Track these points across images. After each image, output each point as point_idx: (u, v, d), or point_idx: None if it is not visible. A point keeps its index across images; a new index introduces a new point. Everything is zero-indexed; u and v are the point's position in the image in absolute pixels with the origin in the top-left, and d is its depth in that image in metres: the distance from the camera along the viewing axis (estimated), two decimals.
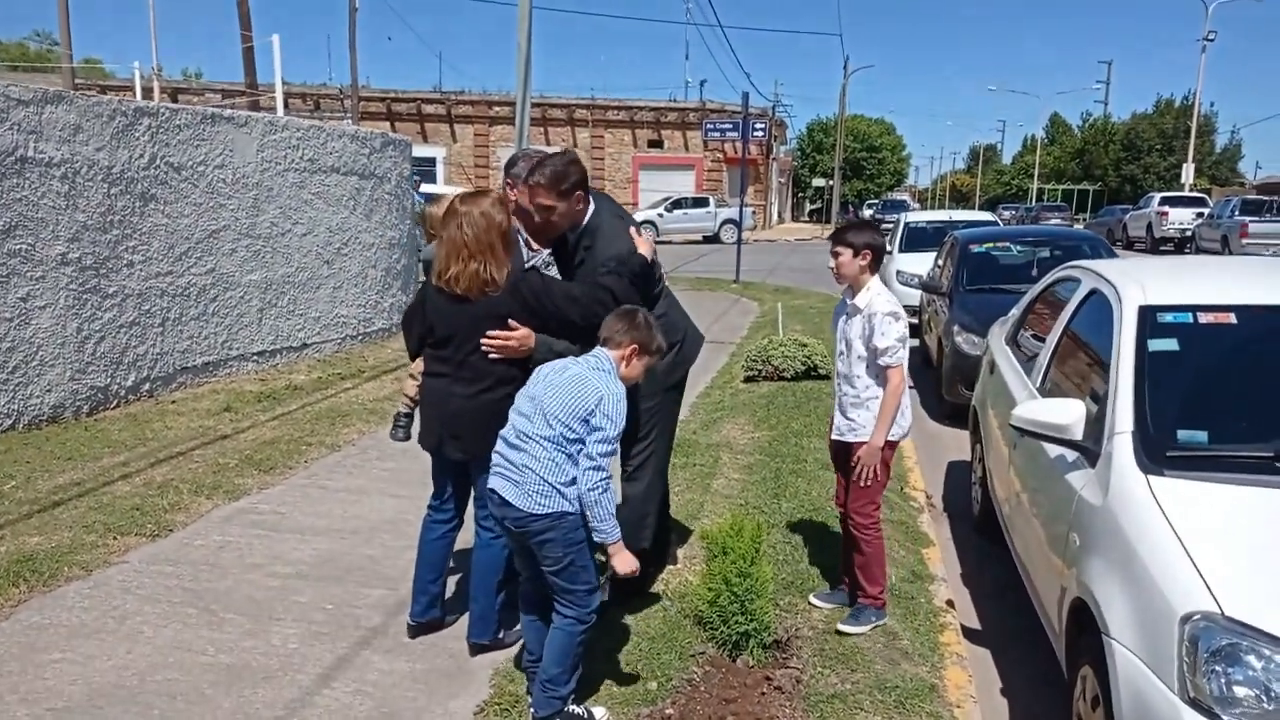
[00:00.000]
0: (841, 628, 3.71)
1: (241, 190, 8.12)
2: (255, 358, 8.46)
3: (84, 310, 6.69)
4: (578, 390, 2.87)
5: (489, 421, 3.18)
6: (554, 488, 2.85)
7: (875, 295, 3.64)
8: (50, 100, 6.40)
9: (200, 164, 7.66)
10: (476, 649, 3.53)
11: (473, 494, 3.54)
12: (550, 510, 2.85)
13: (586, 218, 3.60)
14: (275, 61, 14.30)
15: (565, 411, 2.85)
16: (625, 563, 2.91)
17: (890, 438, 3.67)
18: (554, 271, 3.70)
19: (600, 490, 2.83)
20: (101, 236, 6.79)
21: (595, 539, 2.91)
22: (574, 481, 2.86)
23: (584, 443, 2.84)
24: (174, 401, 7.25)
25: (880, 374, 3.62)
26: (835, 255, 3.70)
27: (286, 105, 15.12)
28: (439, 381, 3.39)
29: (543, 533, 2.88)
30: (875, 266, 3.69)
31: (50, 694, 3.21)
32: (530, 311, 3.29)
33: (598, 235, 3.56)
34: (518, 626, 3.39)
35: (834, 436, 3.86)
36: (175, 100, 28.61)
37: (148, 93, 21.98)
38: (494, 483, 2.96)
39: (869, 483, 3.68)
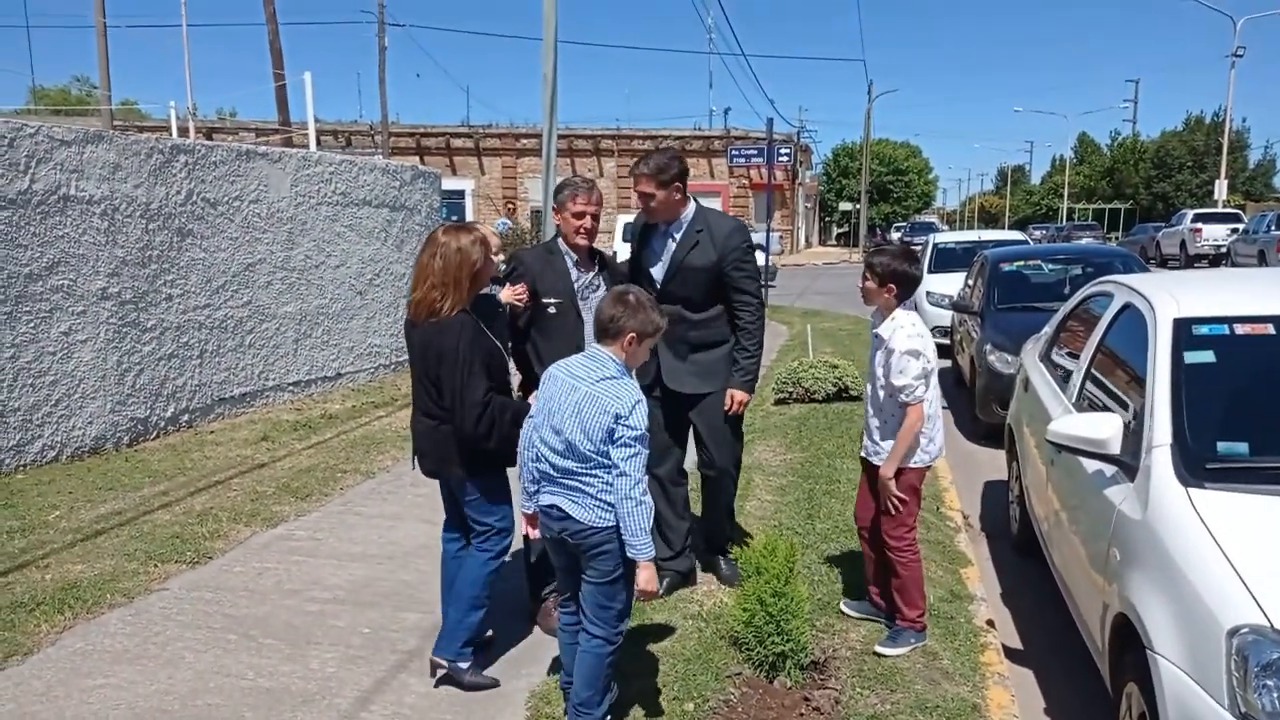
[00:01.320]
0: (879, 650, 3.68)
1: (276, 224, 8.27)
2: (291, 388, 8.58)
3: (124, 343, 6.83)
4: (593, 411, 2.83)
5: (445, 445, 3.35)
6: (611, 505, 2.87)
7: (898, 329, 3.58)
8: (91, 140, 6.57)
9: (236, 199, 7.82)
10: (434, 666, 3.48)
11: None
12: (613, 524, 2.88)
13: (688, 213, 4.00)
14: (308, 99, 14.58)
15: (588, 438, 2.84)
16: (649, 580, 2.88)
17: (916, 464, 3.66)
18: (599, 293, 3.74)
19: (633, 502, 2.81)
20: (140, 271, 6.94)
21: (628, 553, 2.87)
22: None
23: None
24: (212, 432, 7.36)
25: (903, 407, 3.59)
26: (864, 279, 3.69)
27: (319, 142, 15.40)
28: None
29: (602, 545, 2.90)
30: (903, 297, 3.65)
31: (95, 719, 3.25)
32: (436, 359, 3.27)
33: (710, 218, 4.03)
34: (489, 674, 3.48)
35: (862, 454, 3.87)
36: (210, 139, 29.22)
37: (183, 132, 22.51)
38: (551, 499, 2.96)
39: (895, 511, 3.67)
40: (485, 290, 3.61)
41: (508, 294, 3.76)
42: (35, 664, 3.63)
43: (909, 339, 3.53)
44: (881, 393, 3.66)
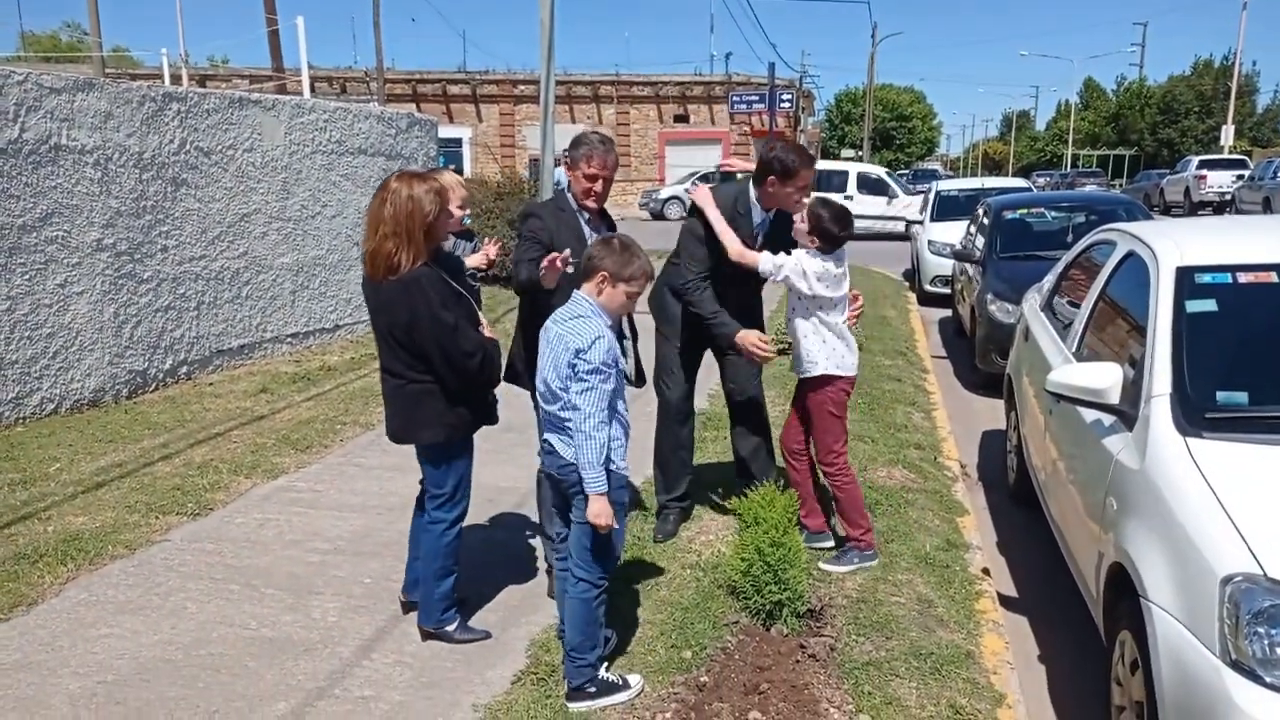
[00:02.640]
0: (823, 566, 3.97)
1: (271, 174, 8.18)
2: (289, 339, 8.56)
3: (120, 295, 6.79)
4: (559, 349, 2.92)
5: (411, 405, 3.24)
6: None
7: (804, 256, 3.96)
8: (81, 88, 6.47)
9: (229, 148, 7.73)
10: (424, 634, 3.48)
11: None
12: None
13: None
14: (300, 44, 14.37)
15: (556, 375, 2.92)
16: (596, 514, 2.88)
17: (831, 371, 3.94)
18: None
19: (583, 435, 2.85)
20: (135, 222, 6.88)
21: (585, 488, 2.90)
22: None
23: None
24: (211, 384, 7.36)
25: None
26: (801, 219, 3.95)
27: (313, 88, 15.20)
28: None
29: (580, 483, 2.92)
30: (825, 251, 3.91)
31: (100, 668, 3.29)
32: (406, 323, 3.11)
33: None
34: (472, 626, 3.48)
35: (797, 373, 4.11)
36: (203, 86, 28.80)
37: (176, 80, 22.16)
38: (546, 435, 3.05)
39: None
40: (449, 246, 3.51)
41: (477, 259, 3.65)
42: (40, 614, 3.67)
43: (811, 260, 3.90)
44: (796, 316, 4.00)
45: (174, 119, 7.18)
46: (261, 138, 8.06)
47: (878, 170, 17.56)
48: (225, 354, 7.82)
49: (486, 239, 3.86)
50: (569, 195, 3.81)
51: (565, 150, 3.98)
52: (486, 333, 3.35)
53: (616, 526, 2.98)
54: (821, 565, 3.96)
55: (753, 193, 4.08)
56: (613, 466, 2.93)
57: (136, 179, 6.87)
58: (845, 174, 16.28)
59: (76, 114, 6.40)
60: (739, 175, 4.41)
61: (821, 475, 4.16)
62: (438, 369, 3.18)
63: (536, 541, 4.25)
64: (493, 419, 3.48)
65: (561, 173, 14.76)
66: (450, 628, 3.46)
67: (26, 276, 6.12)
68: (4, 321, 5.99)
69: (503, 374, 3.56)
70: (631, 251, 2.97)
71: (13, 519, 4.56)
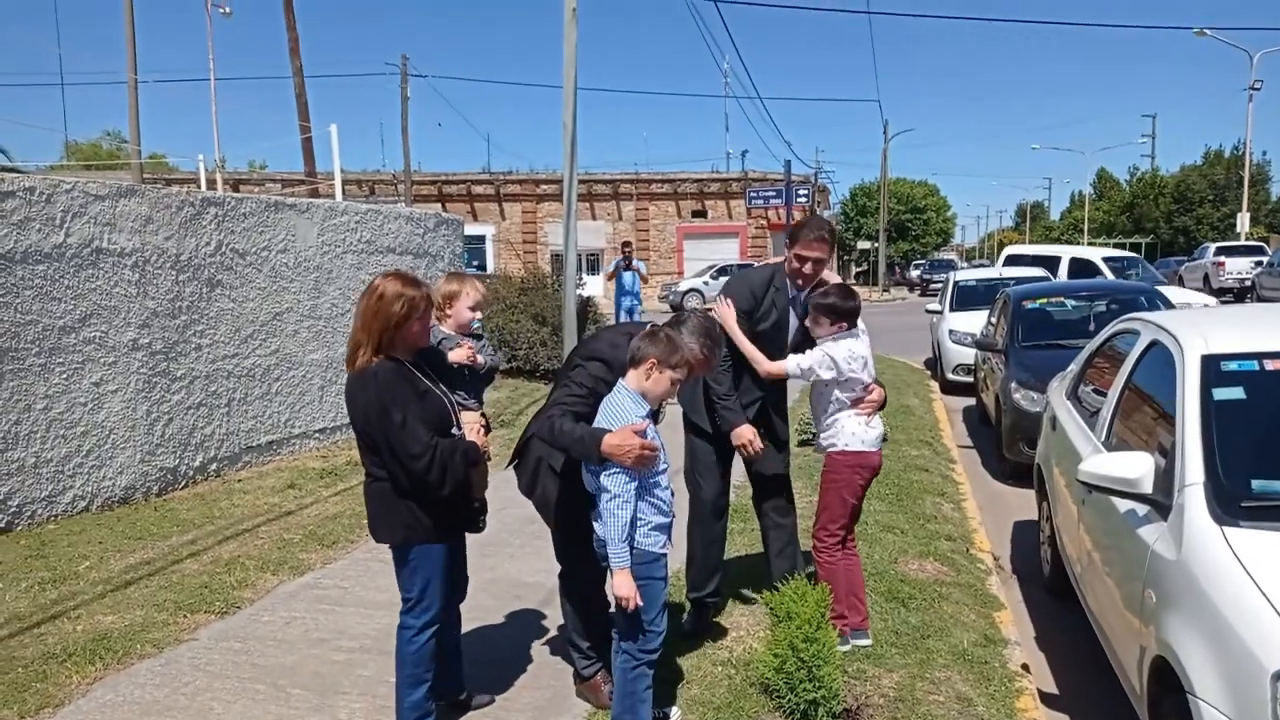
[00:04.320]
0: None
1: (303, 273, 8.40)
2: (317, 434, 8.64)
3: (154, 393, 6.92)
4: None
5: (376, 502, 3.21)
6: None
7: (836, 341, 4.06)
8: (124, 194, 6.73)
9: (264, 249, 7.95)
10: None
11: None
12: None
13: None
14: (333, 149, 14.84)
15: None
16: (617, 586, 3.00)
17: (852, 446, 4.02)
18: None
19: (608, 513, 3.00)
20: (170, 322, 7.06)
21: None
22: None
23: None
24: (240, 480, 7.41)
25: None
26: (813, 322, 4.07)
27: (344, 191, 15.66)
28: None
29: (606, 559, 3.06)
30: (846, 327, 4.04)
31: None
32: (362, 418, 3.09)
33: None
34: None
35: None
36: (237, 190, 29.77)
37: (211, 184, 22.97)
38: (592, 515, 3.18)
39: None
40: (442, 344, 3.49)
41: (460, 355, 3.55)
42: (66, 716, 3.64)
43: (836, 346, 3.99)
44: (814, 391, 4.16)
45: (211, 222, 7.42)
46: (295, 239, 8.30)
47: (1091, 254, 16.94)
48: (254, 450, 7.89)
49: (465, 339, 3.65)
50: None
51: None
52: (470, 436, 3.28)
53: (640, 603, 3.03)
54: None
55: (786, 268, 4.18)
56: (638, 545, 3.04)
57: (173, 280, 7.07)
58: (1058, 259, 16.24)
59: (118, 218, 6.64)
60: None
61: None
62: (389, 466, 3.13)
63: (562, 638, 4.19)
64: (472, 526, 3.44)
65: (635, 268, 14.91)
66: None
67: (64, 375, 6.26)
68: (40, 420, 6.11)
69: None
70: (675, 341, 3.13)
71: (43, 618, 4.57)
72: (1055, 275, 15.28)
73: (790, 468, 4.51)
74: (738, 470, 4.51)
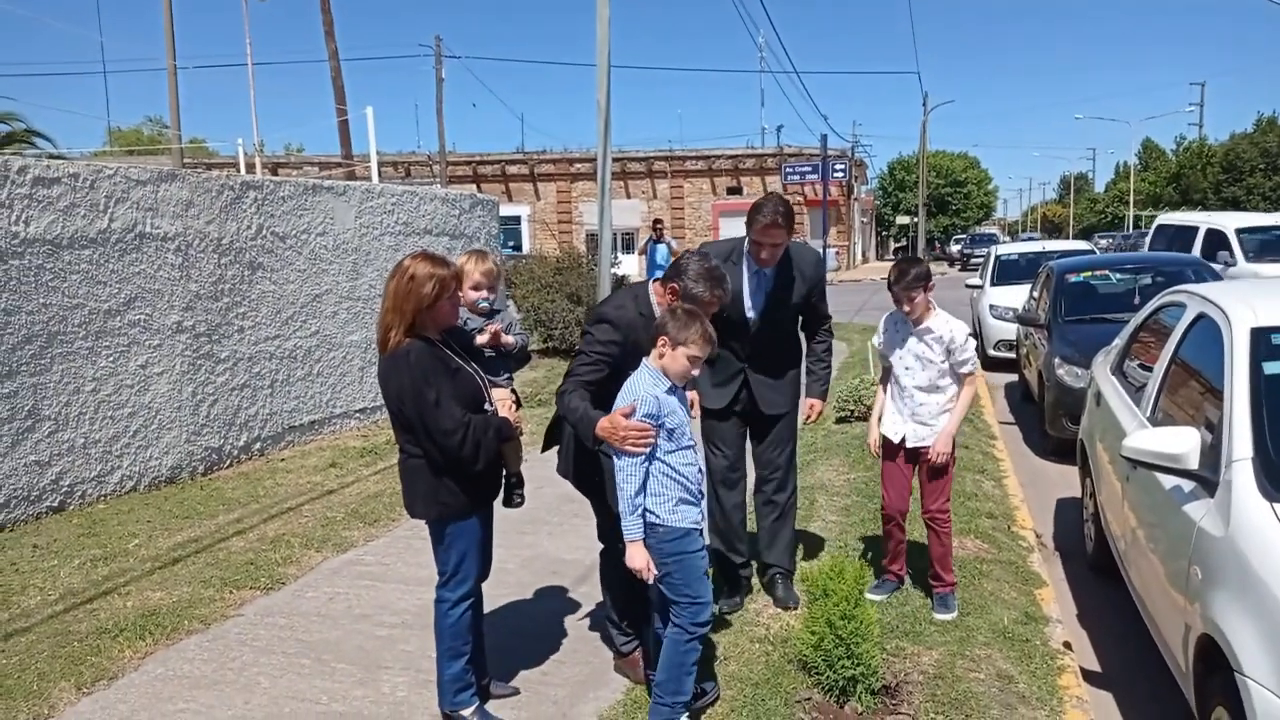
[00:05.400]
0: (939, 617, 4.09)
1: (342, 255, 8.48)
2: (357, 414, 8.75)
3: (198, 375, 7.04)
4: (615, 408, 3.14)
5: (411, 479, 3.26)
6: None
7: (948, 320, 4.12)
8: (165, 179, 6.82)
9: (303, 232, 8.04)
10: (445, 717, 3.38)
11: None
12: (653, 515, 3.10)
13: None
14: (369, 132, 14.96)
15: None
16: (629, 558, 3.06)
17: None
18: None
19: (616, 486, 3.07)
20: (213, 304, 7.17)
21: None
22: (648, 492, 3.08)
23: None
24: (283, 459, 7.54)
25: (959, 380, 4.13)
26: (911, 299, 4.03)
27: (380, 173, 15.77)
28: None
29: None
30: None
31: None
32: (396, 396, 3.13)
33: (792, 252, 4.18)
34: (490, 712, 3.39)
35: (912, 444, 4.16)
36: (275, 173, 30.10)
37: (250, 168, 23.22)
38: None
39: (949, 471, 4.15)
40: (468, 324, 3.50)
41: (483, 338, 3.55)
42: (120, 688, 3.75)
43: (963, 325, 4.12)
44: (940, 377, 4.10)
45: (251, 206, 7.51)
46: (333, 222, 8.37)
47: (1224, 222, 13.76)
48: (297, 429, 8.01)
49: (491, 321, 3.62)
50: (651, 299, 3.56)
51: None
52: (502, 412, 3.32)
53: (653, 573, 3.07)
54: (937, 617, 4.09)
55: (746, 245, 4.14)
56: (665, 522, 3.07)
57: (215, 263, 7.18)
58: (1195, 229, 13.58)
59: (160, 203, 6.74)
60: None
61: (937, 526, 4.21)
62: (424, 444, 3.17)
63: (600, 615, 4.23)
64: (508, 502, 3.48)
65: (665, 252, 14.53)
66: (466, 711, 3.32)
67: (111, 358, 6.39)
68: (89, 402, 6.25)
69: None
70: (690, 316, 3.08)
71: (95, 594, 4.69)
72: (1191, 249, 13.22)
73: (795, 440, 4.44)
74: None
